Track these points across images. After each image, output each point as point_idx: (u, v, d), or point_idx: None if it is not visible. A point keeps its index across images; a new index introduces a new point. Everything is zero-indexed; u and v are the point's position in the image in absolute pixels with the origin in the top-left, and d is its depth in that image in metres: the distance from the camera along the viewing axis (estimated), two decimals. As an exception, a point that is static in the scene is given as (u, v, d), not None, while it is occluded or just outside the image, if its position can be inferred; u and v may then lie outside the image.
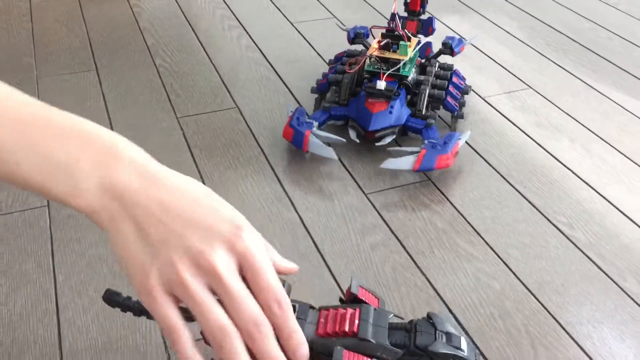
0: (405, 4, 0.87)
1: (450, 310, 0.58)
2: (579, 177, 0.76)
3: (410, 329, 0.42)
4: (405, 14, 0.88)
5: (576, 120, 0.87)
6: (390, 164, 0.73)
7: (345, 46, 0.96)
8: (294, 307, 0.41)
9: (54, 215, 0.69)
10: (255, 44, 1.07)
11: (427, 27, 0.88)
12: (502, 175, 0.76)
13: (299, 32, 1.12)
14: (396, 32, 0.81)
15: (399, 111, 0.78)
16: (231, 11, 1.19)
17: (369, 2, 1.23)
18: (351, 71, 0.82)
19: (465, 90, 0.86)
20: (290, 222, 0.69)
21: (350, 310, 0.41)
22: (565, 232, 0.68)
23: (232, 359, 0.35)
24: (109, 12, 1.18)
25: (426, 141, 0.75)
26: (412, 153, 0.74)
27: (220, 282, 0.35)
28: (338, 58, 0.91)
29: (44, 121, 0.36)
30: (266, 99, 0.91)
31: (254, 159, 0.79)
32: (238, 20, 1.16)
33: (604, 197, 0.73)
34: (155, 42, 1.07)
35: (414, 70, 0.82)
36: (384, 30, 0.82)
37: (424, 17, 0.88)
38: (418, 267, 0.63)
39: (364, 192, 0.73)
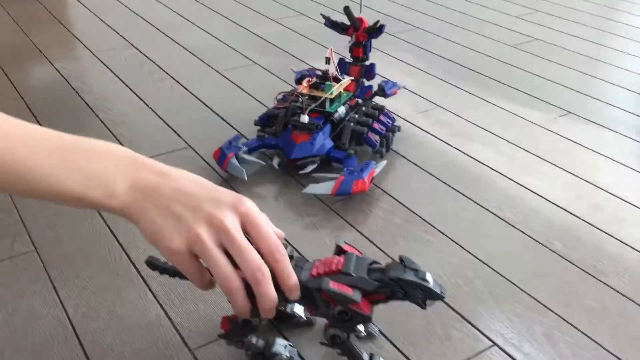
0: (350, 50, 0.97)
1: (423, 285, 0.69)
2: (496, 171, 0.91)
3: (386, 268, 0.51)
4: (351, 60, 0.98)
5: (483, 129, 1.03)
6: (312, 189, 0.83)
7: (273, 87, 1.07)
8: (291, 257, 0.50)
9: (45, 257, 0.72)
10: (189, 91, 1.15)
11: (369, 72, 0.97)
12: (436, 177, 0.90)
13: (227, 78, 1.21)
14: (322, 74, 0.93)
15: (321, 143, 0.88)
16: (157, 65, 1.27)
17: (283, 49, 1.36)
18: (280, 107, 0.93)
19: (391, 128, 0.95)
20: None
21: (337, 258, 0.52)
22: (497, 214, 0.81)
23: (233, 302, 0.47)
24: (36, 76, 1.21)
25: (345, 169, 0.85)
26: (332, 179, 0.83)
27: (229, 236, 0.45)
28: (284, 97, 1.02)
29: (76, 146, 0.47)
30: (214, 136, 0.98)
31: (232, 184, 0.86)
32: (167, 73, 1.23)
33: (520, 185, 0.88)
34: (93, 99, 1.12)
35: (343, 108, 0.93)
36: (319, 73, 0.95)
37: (367, 63, 0.97)
38: (388, 255, 0.74)
39: (325, 203, 0.83)
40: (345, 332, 0.53)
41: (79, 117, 1.06)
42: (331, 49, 0.94)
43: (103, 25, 1.49)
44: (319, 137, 0.88)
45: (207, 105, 1.10)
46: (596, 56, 1.34)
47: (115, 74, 1.22)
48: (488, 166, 0.92)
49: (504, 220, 0.80)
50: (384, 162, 0.89)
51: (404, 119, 1.06)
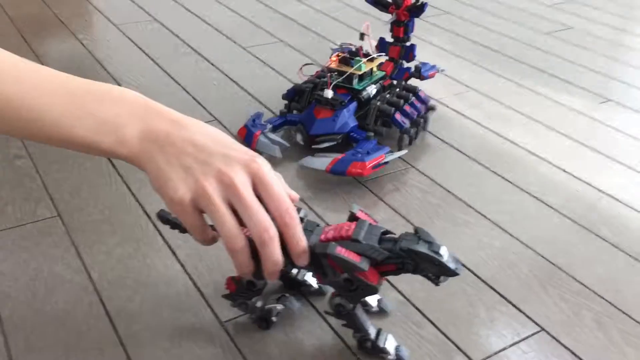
0: (391, 29, 0.92)
1: (464, 265, 0.65)
2: (536, 155, 0.87)
3: (399, 238, 0.48)
4: (392, 40, 0.93)
5: (519, 112, 0.99)
6: (308, 162, 0.79)
7: (300, 64, 1.03)
8: (302, 220, 0.48)
9: (69, 222, 0.69)
10: (214, 66, 1.12)
11: (408, 53, 0.92)
12: (473, 159, 0.86)
13: (253, 55, 1.18)
14: (356, 50, 0.89)
15: (344, 120, 0.83)
16: (182, 40, 1.23)
17: (309, 28, 1.32)
18: (307, 80, 0.89)
19: (422, 115, 0.89)
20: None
21: (349, 224, 0.49)
22: (539, 198, 0.78)
23: (235, 261, 0.45)
24: (59, 47, 1.18)
25: (353, 149, 0.80)
26: (331, 156, 0.79)
27: (237, 193, 0.43)
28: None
29: (87, 90, 0.45)
30: (241, 111, 0.95)
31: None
32: (191, 47, 1.20)
33: (562, 169, 0.84)
34: (116, 69, 1.09)
35: (374, 87, 0.87)
36: (353, 49, 0.90)
37: (408, 44, 0.92)
38: (426, 235, 0.70)
39: (358, 181, 0.80)
40: (351, 302, 0.50)
41: (102, 87, 1.03)
42: (368, 24, 0.91)
43: (126, -1, 1.46)
44: (342, 115, 0.84)
45: (233, 80, 1.07)
46: (631, 44, 1.29)
47: (139, 47, 1.19)
48: (527, 150, 0.88)
49: (547, 205, 0.76)
50: (402, 152, 0.83)
51: (437, 100, 1.02)
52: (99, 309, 0.58)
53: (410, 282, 0.63)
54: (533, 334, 0.58)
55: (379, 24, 0.94)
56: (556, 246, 0.69)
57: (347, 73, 0.85)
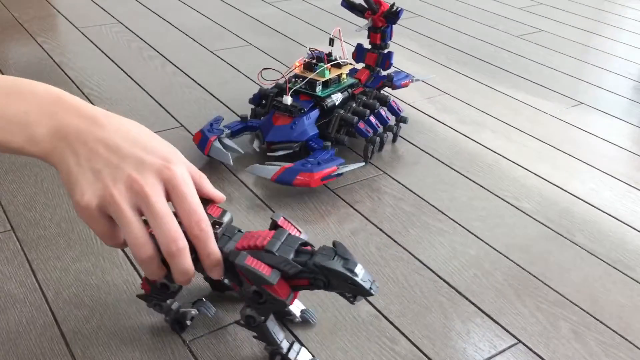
0: (368, 35, 0.88)
1: (438, 276, 0.63)
2: (509, 159, 0.86)
3: (315, 252, 0.46)
4: (369, 46, 0.89)
5: (491, 116, 0.98)
6: (254, 170, 0.76)
7: (267, 66, 1.00)
8: (219, 225, 0.46)
9: (22, 237, 0.65)
10: (181, 70, 1.09)
11: (385, 61, 0.89)
12: (446, 164, 0.84)
13: (220, 58, 1.15)
14: (319, 55, 0.84)
15: (302, 128, 0.80)
16: (147, 43, 1.20)
17: (278, 31, 1.30)
18: (268, 85, 0.86)
19: (388, 127, 0.86)
20: (267, 219, 0.71)
21: (268, 232, 0.47)
22: (513, 204, 0.76)
23: (144, 268, 0.43)
24: (17, 50, 1.14)
25: (304, 160, 0.76)
26: (280, 165, 0.76)
27: (147, 202, 0.41)
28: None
29: None
30: (209, 116, 0.92)
31: (219, 169, 0.80)
32: (157, 51, 1.16)
33: (535, 174, 0.83)
34: (77, 74, 1.05)
35: (340, 95, 0.84)
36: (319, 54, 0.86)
37: (385, 51, 0.89)
38: (399, 244, 0.68)
39: (329, 189, 0.77)
40: (261, 315, 0.48)
41: (62, 93, 0.98)
42: (338, 29, 0.88)
43: (87, 1, 1.42)
44: (301, 122, 0.80)
45: (200, 85, 1.03)
46: (600, 47, 1.30)
47: (101, 51, 1.15)
48: (500, 154, 0.87)
49: (521, 211, 0.75)
50: (358, 164, 0.79)
51: (409, 104, 1.00)
52: (54, 330, 0.54)
53: (384, 295, 0.60)
54: (510, 347, 0.56)
55: (352, 29, 0.92)
56: (531, 254, 0.68)
57: (307, 79, 0.82)
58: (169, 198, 0.42)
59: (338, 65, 0.85)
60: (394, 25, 0.88)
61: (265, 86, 0.88)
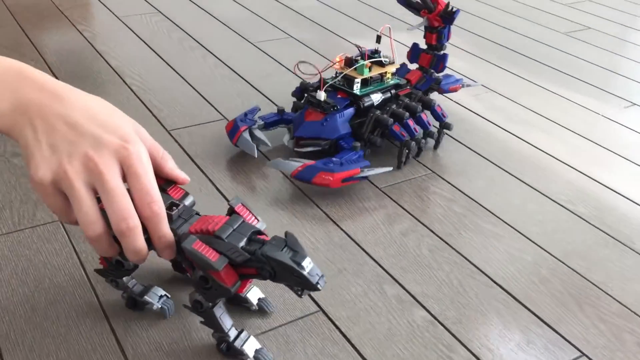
0: (424, 35, 0.85)
1: (494, 281, 0.61)
2: (562, 161, 0.83)
3: (266, 242, 0.45)
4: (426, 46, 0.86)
5: (542, 116, 0.95)
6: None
7: (311, 60, 0.98)
8: (176, 206, 0.46)
9: (70, 229, 0.64)
10: (222, 61, 1.07)
11: (439, 63, 0.85)
12: (497, 165, 0.81)
13: (261, 50, 1.13)
14: (365, 53, 0.81)
15: (333, 126, 0.77)
16: (187, 34, 1.18)
17: (319, 24, 1.27)
18: (305, 77, 0.82)
19: (428, 133, 0.82)
20: (316, 217, 0.69)
21: (222, 217, 0.46)
22: (569, 208, 0.73)
23: (95, 246, 0.43)
24: (58, 37, 1.13)
25: (328, 158, 0.74)
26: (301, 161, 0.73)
27: (101, 179, 0.41)
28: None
29: None
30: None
31: (261, 164, 0.78)
32: (197, 41, 1.15)
33: (591, 178, 0.80)
34: (119, 63, 1.04)
35: (380, 95, 0.80)
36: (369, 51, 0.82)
37: (441, 52, 0.85)
38: (452, 247, 0.66)
39: (377, 187, 0.75)
40: (208, 300, 0.47)
41: (104, 81, 0.98)
42: (388, 27, 0.85)
43: (129, -10, 1.41)
44: (333, 120, 0.77)
45: (241, 77, 1.02)
46: (654, 48, 1.25)
47: (142, 40, 1.14)
48: (552, 156, 0.84)
49: (577, 215, 0.72)
50: (385, 169, 0.74)
51: (455, 102, 0.97)
52: (104, 325, 0.53)
53: (439, 299, 0.58)
54: (575, 359, 0.53)
55: (397, 25, 0.89)
56: (590, 261, 0.65)
57: (341, 75, 0.79)
58: (124, 178, 0.42)
59: (381, 64, 0.81)
60: (451, 26, 0.84)
61: (306, 79, 0.86)
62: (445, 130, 0.84)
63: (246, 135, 0.78)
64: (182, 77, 1.01)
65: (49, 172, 0.41)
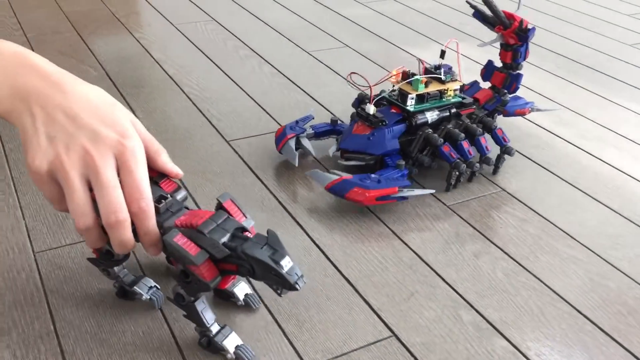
0: (500, 52, 0.80)
1: (578, 310, 0.57)
2: (639, 181, 0.78)
3: (248, 239, 0.44)
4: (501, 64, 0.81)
5: (614, 132, 0.90)
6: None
7: (369, 71, 0.96)
8: (164, 199, 0.46)
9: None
10: (278, 70, 1.06)
11: (512, 83, 0.80)
12: (569, 183, 0.77)
13: (317, 59, 1.11)
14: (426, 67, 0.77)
15: (380, 141, 0.73)
16: (242, 42, 1.17)
17: (375, 33, 1.25)
18: (359, 89, 0.79)
19: (485, 159, 0.76)
20: (383, 235, 0.66)
21: (207, 212, 0.46)
22: (652, 232, 0.69)
23: (84, 237, 0.45)
24: (115, 44, 1.13)
25: (367, 174, 0.70)
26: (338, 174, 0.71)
27: (95, 172, 0.42)
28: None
29: None
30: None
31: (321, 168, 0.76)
32: (252, 49, 1.14)
33: (672, 199, 0.75)
34: (176, 71, 1.03)
35: (436, 112, 0.75)
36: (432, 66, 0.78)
37: (515, 72, 0.80)
38: (528, 271, 0.62)
39: (444, 204, 0.72)
40: (189, 294, 0.47)
41: (162, 89, 0.97)
42: (455, 42, 0.81)
43: (182, -2, 1.41)
44: (381, 135, 0.73)
45: (299, 86, 1.00)
46: None
47: (198, 48, 1.14)
48: (628, 174, 0.80)
49: (661, 240, 0.68)
50: (426, 191, 0.71)
51: (522, 116, 0.93)
52: (171, 344, 0.51)
53: (519, 328, 0.55)
54: (670, 400, 0.49)
55: (454, 34, 0.86)
56: (680, 291, 0.61)
57: (389, 90, 0.76)
58: (118, 172, 0.43)
59: (440, 80, 0.76)
60: (529, 44, 0.78)
61: (361, 91, 0.83)
62: (506, 156, 0.78)
63: (291, 143, 0.77)
64: (239, 86, 0.99)
65: (45, 162, 0.42)
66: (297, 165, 0.76)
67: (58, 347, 0.51)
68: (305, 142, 0.78)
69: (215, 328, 0.50)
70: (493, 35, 0.79)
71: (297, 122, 0.80)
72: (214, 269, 0.44)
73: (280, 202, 0.71)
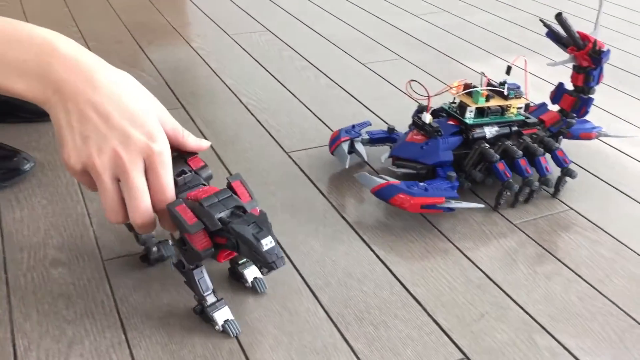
0: (572, 74, 0.77)
1: (659, 339, 0.55)
2: None
3: (240, 216, 0.48)
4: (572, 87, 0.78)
5: (684, 151, 0.87)
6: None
7: (425, 83, 0.94)
8: (184, 174, 0.50)
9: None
10: (334, 82, 1.05)
11: (581, 107, 0.77)
12: (641, 204, 0.75)
13: (373, 71, 1.10)
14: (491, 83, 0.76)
15: (434, 152, 0.72)
16: (297, 53, 1.17)
17: (430, 45, 1.24)
18: (417, 98, 0.78)
19: (544, 180, 0.73)
20: (449, 252, 0.65)
21: (214, 189, 0.50)
22: None
23: (112, 222, 0.49)
24: (174, 55, 1.15)
25: (415, 182, 0.69)
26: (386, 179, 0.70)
27: (126, 176, 0.46)
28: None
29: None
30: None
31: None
32: (308, 61, 1.14)
33: None
34: (234, 82, 1.04)
35: (496, 128, 0.73)
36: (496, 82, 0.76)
37: (586, 96, 0.77)
38: (604, 296, 0.60)
39: (511, 222, 0.70)
40: (187, 262, 0.51)
41: (220, 99, 0.98)
42: (524, 59, 0.78)
43: (236, 8, 1.43)
44: (434, 145, 0.72)
45: (356, 98, 0.99)
46: None
47: (254, 58, 1.14)
48: None
49: None
50: (475, 205, 0.69)
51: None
52: (240, 356, 0.51)
53: (597, 356, 0.53)
54: None
55: (514, 49, 0.84)
56: None
57: (449, 102, 0.76)
58: (146, 174, 0.47)
59: (502, 95, 0.74)
60: (603, 67, 0.75)
61: (419, 100, 0.82)
62: (567, 178, 0.75)
63: (344, 146, 0.78)
64: (297, 97, 0.99)
65: (79, 162, 0.45)
66: (346, 167, 0.78)
67: (130, 357, 0.51)
68: (359, 147, 0.80)
69: (211, 299, 0.53)
70: (564, 55, 0.76)
71: (353, 126, 0.82)
72: (207, 240, 0.48)
73: (342, 216, 0.70)
